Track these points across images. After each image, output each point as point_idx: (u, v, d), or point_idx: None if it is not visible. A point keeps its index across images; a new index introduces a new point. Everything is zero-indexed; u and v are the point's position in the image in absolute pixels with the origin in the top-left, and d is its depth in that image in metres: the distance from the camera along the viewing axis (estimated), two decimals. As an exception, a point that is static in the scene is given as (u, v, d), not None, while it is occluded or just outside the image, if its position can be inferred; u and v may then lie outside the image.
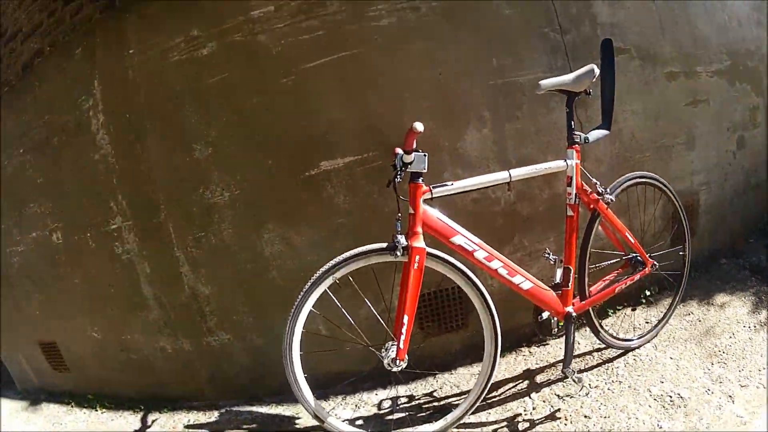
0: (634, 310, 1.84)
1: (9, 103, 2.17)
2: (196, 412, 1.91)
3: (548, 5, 1.68)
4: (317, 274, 1.23)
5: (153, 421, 1.92)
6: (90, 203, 1.92)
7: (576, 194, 1.38)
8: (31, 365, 2.54)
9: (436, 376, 1.70)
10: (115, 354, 2.09)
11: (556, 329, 1.42)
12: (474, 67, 1.63)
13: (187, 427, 1.82)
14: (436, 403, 1.58)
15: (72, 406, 2.28)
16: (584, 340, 1.73)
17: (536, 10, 1.67)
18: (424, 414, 1.54)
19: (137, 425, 1.93)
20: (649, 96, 1.87)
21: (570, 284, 1.39)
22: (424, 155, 1.18)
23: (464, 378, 1.67)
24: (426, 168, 1.19)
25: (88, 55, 1.82)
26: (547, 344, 1.76)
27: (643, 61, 1.84)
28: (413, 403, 1.61)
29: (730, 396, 1.34)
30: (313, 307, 1.26)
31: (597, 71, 1.35)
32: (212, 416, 1.85)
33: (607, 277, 1.55)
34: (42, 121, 2.01)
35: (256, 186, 1.68)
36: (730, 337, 1.61)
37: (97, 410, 2.16)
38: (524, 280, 1.33)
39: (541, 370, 1.63)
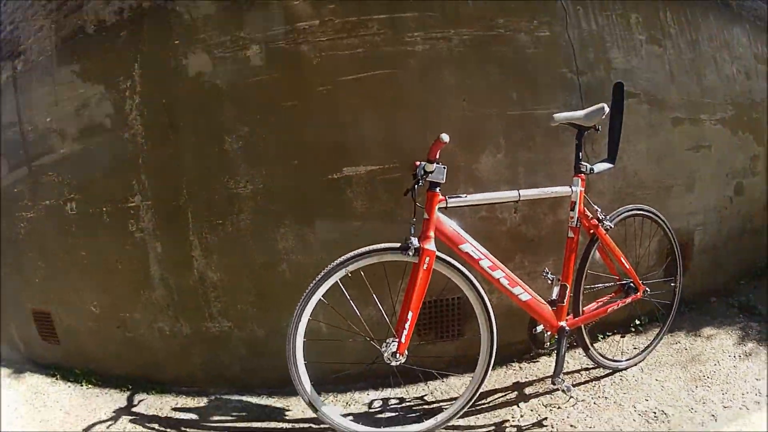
0: (623, 337, 2.06)
1: (43, 72, 2.34)
2: (185, 396, 2.03)
3: (568, 48, 1.95)
4: (332, 265, 1.40)
5: (140, 401, 2.01)
6: (111, 179, 2.10)
7: (578, 218, 1.62)
8: (19, 333, 2.66)
9: (428, 382, 1.86)
10: (111, 330, 2.22)
11: (548, 343, 1.63)
12: (495, 97, 1.88)
13: (175, 410, 1.92)
14: (426, 406, 1.75)
15: (57, 379, 2.36)
16: (573, 360, 1.92)
17: (557, 52, 1.94)
18: (414, 415, 1.70)
19: (122, 403, 2.02)
20: (654, 138, 2.14)
21: (565, 300, 1.60)
22: (444, 167, 1.39)
23: (455, 385, 1.84)
24: (444, 179, 1.40)
25: (134, 39, 2.02)
26: (537, 361, 1.95)
27: (650, 106, 2.11)
28: (404, 404, 1.77)
29: (713, 415, 1.52)
30: (322, 296, 1.41)
31: (607, 109, 1.58)
32: (201, 401, 1.97)
33: (600, 299, 1.76)
34: (74, 93, 2.19)
35: (280, 182, 1.87)
36: (715, 365, 1.81)
37: (82, 385, 2.24)
38: (523, 292, 1.54)
39: (530, 383, 1.82)
